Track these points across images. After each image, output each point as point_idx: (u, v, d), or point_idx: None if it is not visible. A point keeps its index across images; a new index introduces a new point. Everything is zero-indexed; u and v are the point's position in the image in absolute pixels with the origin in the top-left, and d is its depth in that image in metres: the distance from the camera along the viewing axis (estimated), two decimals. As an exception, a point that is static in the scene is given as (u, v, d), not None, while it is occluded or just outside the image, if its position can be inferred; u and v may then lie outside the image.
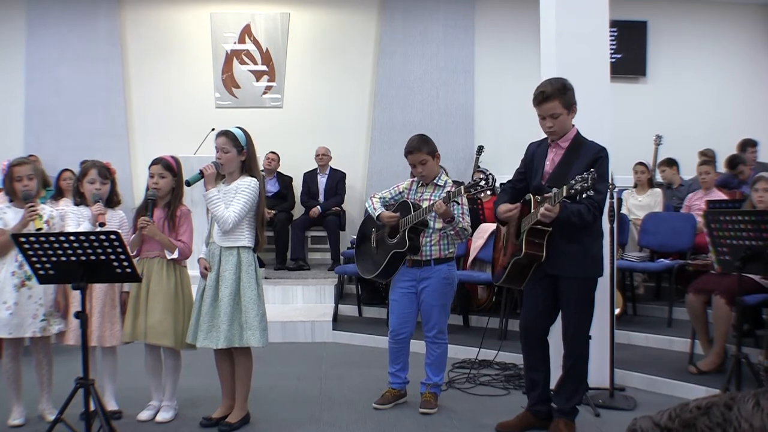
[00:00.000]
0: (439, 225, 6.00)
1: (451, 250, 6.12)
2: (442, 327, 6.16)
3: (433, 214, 5.85)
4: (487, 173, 5.50)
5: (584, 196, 4.81)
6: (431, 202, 5.93)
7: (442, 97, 13.28)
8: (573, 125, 5.38)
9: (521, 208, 5.40)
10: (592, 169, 4.80)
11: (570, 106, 5.28)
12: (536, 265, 5.29)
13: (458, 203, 5.90)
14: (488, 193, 5.88)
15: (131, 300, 5.81)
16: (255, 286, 5.63)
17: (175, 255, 5.84)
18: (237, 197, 5.59)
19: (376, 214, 6.18)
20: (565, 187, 4.84)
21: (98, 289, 5.82)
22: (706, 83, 13.58)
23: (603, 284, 5.87)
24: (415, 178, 6.25)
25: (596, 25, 6.61)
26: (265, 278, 10.58)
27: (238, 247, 5.63)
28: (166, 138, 12.53)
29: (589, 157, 5.19)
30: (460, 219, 5.91)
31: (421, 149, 6.05)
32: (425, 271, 6.09)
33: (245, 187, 5.62)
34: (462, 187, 5.59)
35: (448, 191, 5.77)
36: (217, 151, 5.71)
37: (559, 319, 5.43)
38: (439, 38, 13.36)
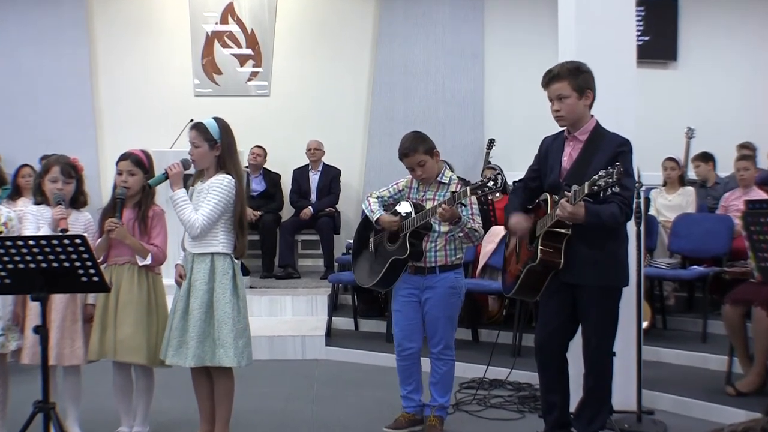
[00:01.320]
0: (444, 228, 5.97)
1: (458, 256, 6.09)
2: (448, 342, 6.12)
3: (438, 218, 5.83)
4: (497, 172, 5.46)
5: (609, 193, 4.79)
6: (435, 201, 5.89)
7: (448, 85, 13.26)
8: (592, 116, 5.38)
9: (536, 210, 5.39)
10: (617, 163, 4.79)
11: (582, 90, 5.29)
12: (553, 273, 5.27)
13: (464, 204, 5.86)
14: (497, 195, 5.85)
15: (98, 312, 5.78)
16: (231, 297, 5.58)
17: (148, 261, 5.82)
18: (207, 197, 5.56)
19: (375, 217, 6.14)
20: (587, 183, 4.83)
21: (58, 301, 5.76)
22: (745, 68, 13.50)
23: (629, 294, 5.86)
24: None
25: (621, 3, 6.59)
26: (250, 288, 10.57)
27: (211, 254, 5.60)
28: (138, 130, 12.49)
29: (611, 151, 5.19)
30: (469, 219, 5.87)
31: (417, 150, 6.01)
32: (429, 280, 6.05)
33: (217, 186, 5.58)
34: (468, 187, 5.57)
35: (453, 192, 5.74)
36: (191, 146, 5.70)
37: (579, 334, 5.42)
38: (445, 19, 13.34)
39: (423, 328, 6.17)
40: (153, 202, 5.99)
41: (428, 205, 5.93)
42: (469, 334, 9.02)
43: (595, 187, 4.76)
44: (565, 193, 5.07)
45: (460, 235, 5.89)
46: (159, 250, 5.86)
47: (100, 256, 5.74)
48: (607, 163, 4.99)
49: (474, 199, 5.96)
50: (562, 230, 5.17)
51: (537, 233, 5.30)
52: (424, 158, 6.01)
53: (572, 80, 5.26)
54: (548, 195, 5.32)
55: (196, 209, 5.54)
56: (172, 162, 5.69)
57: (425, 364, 6.24)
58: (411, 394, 6.27)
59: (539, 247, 5.22)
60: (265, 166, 12.48)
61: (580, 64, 5.36)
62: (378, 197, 6.26)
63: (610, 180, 4.70)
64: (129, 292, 5.78)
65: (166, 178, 5.63)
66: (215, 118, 5.76)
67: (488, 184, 5.44)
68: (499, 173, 5.44)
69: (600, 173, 4.77)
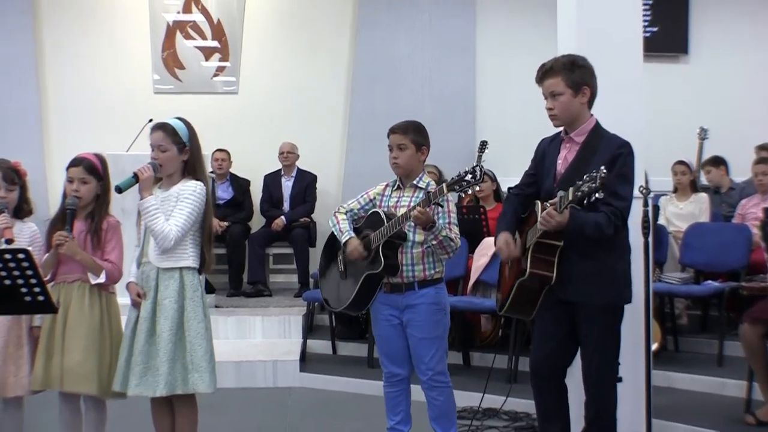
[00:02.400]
0: (420, 237, 5.90)
1: (438, 269, 6.02)
2: (439, 368, 6.03)
3: (413, 223, 5.78)
4: (475, 165, 5.41)
5: (592, 199, 4.78)
6: (409, 208, 5.85)
7: (436, 81, 13.27)
8: (591, 115, 5.39)
9: (529, 218, 5.38)
10: (602, 167, 4.76)
11: (578, 86, 5.29)
12: (547, 288, 5.26)
13: (442, 206, 5.83)
14: (477, 188, 5.76)
15: (44, 336, 5.73)
16: (203, 316, 5.61)
17: (101, 279, 5.78)
18: (179, 206, 5.55)
19: (343, 239, 6.08)
20: (571, 189, 4.84)
21: (0, 324, 5.72)
22: (764, 61, 13.55)
23: (636, 313, 5.86)
24: (389, 182, 6.22)
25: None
26: (215, 307, 10.54)
27: (180, 269, 5.60)
28: (90, 131, 12.45)
29: (609, 154, 5.18)
30: (445, 226, 5.82)
31: (406, 132, 6.03)
32: (408, 298, 5.98)
33: (190, 193, 5.59)
34: (444, 184, 5.51)
35: (429, 191, 5.69)
36: (153, 150, 5.67)
37: (579, 358, 5.41)
38: (432, 7, 13.35)
39: (409, 350, 6.11)
40: (107, 213, 5.94)
41: (402, 212, 5.84)
42: (459, 357, 9.01)
43: (579, 193, 4.76)
44: (550, 201, 5.07)
45: (434, 243, 5.79)
46: (114, 267, 5.81)
47: (46, 273, 5.68)
48: (605, 167, 4.95)
49: (453, 207, 5.95)
50: (554, 241, 5.16)
51: (527, 244, 5.30)
52: (406, 143, 5.99)
53: (567, 76, 5.27)
54: (539, 202, 5.32)
55: (167, 218, 5.52)
56: (126, 166, 5.68)
57: (416, 392, 6.21)
58: (399, 425, 6.19)
59: (530, 259, 5.21)
60: (232, 171, 12.45)
61: (576, 57, 5.37)
62: (347, 212, 6.21)
63: (593, 185, 4.69)
64: (79, 314, 5.72)
65: (136, 181, 5.59)
66: (180, 119, 5.76)
67: (466, 178, 5.37)
68: (477, 165, 5.37)
69: (585, 177, 4.76)
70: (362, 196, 6.26)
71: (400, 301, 5.98)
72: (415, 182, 6.06)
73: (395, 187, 6.15)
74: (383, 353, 6.18)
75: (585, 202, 4.80)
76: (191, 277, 5.61)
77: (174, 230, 5.49)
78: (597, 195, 4.74)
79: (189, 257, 5.62)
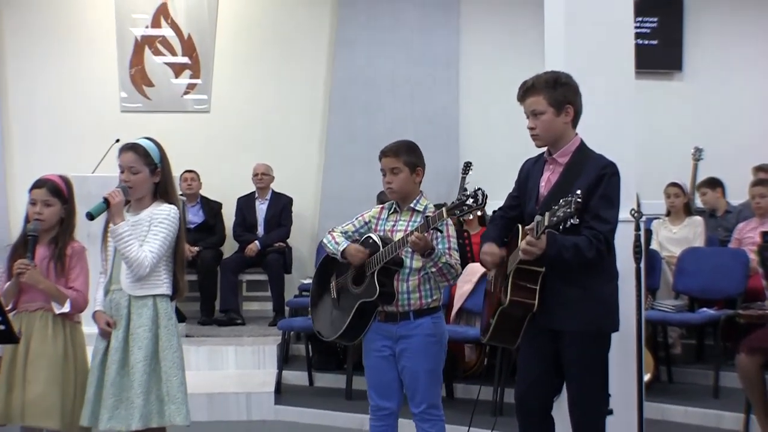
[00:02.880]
0: (418, 263, 5.85)
1: (435, 297, 5.94)
2: (432, 400, 5.99)
3: (410, 249, 5.76)
4: (476, 189, 5.38)
5: (568, 225, 4.78)
6: (407, 233, 5.82)
7: (418, 99, 13.29)
8: (576, 134, 5.37)
9: (510, 242, 5.38)
10: (578, 191, 4.74)
11: (560, 105, 5.27)
12: (530, 316, 5.26)
13: (441, 231, 5.80)
14: (480, 213, 5.79)
15: (4, 367, 5.71)
16: (177, 346, 5.60)
17: (66, 308, 5.76)
18: (153, 231, 5.55)
19: (340, 248, 6.00)
20: (547, 214, 4.82)
21: (-40, 355, 5.71)
22: (761, 79, 13.61)
23: (628, 342, 5.86)
24: (385, 204, 6.19)
25: (618, 4, 6.63)
26: (186, 336, 10.48)
27: (154, 296, 5.59)
28: (54, 152, 12.45)
29: (593, 176, 5.16)
30: (445, 252, 5.80)
31: (398, 154, 5.92)
32: (403, 328, 5.92)
33: (163, 218, 5.59)
34: (444, 209, 5.45)
35: (428, 216, 5.63)
36: (122, 171, 5.65)
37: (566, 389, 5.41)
38: (414, 23, 13.39)
39: (401, 384, 6.09)
40: (72, 238, 5.93)
41: (399, 237, 5.77)
42: (443, 389, 8.97)
43: (554, 218, 4.75)
44: (528, 227, 5.07)
45: (433, 270, 5.73)
46: (79, 295, 5.80)
47: (8, 302, 5.68)
48: (589, 189, 4.99)
49: (453, 231, 5.90)
50: (535, 267, 5.14)
51: (508, 270, 5.28)
52: (400, 166, 5.90)
53: (548, 93, 5.25)
54: (520, 226, 5.32)
55: (140, 244, 5.51)
56: (92, 188, 5.66)
57: (402, 428, 6.18)
58: (385, 461, 6.18)
59: (510, 286, 5.18)
60: (202, 193, 12.45)
61: (559, 74, 5.36)
62: (342, 233, 6.13)
63: (568, 210, 4.67)
64: (41, 344, 5.70)
65: (108, 207, 5.57)
66: (150, 139, 5.75)
67: (467, 203, 5.32)
68: (479, 189, 5.34)
69: (560, 201, 4.75)
70: (357, 219, 6.18)
71: (394, 331, 5.91)
72: (412, 205, 5.98)
73: (392, 211, 6.08)
74: (372, 385, 6.09)
75: (561, 227, 4.81)
76: (165, 305, 5.61)
77: (149, 257, 5.47)
78: (572, 221, 4.74)
79: (163, 284, 5.61)
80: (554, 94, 5.25)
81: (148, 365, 5.49)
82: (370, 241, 5.91)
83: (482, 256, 5.50)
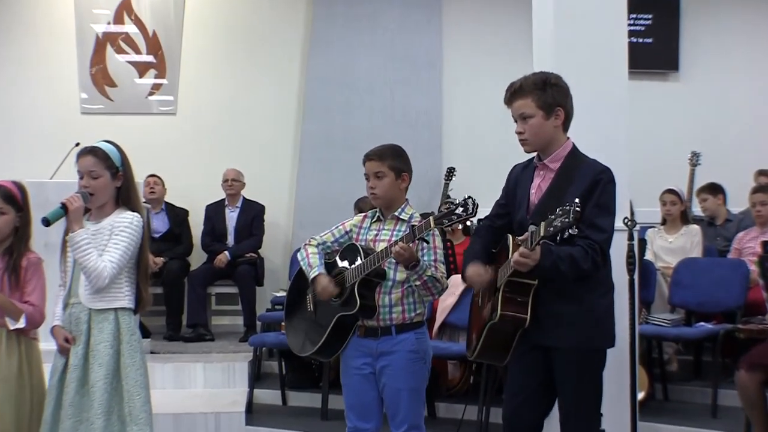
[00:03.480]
0: (401, 276, 5.84)
1: (419, 312, 5.94)
2: (415, 420, 5.97)
3: (393, 260, 5.72)
4: (467, 197, 5.36)
5: (566, 235, 4.75)
6: (390, 243, 5.81)
7: (399, 102, 13.30)
8: (567, 138, 5.37)
9: (499, 253, 5.37)
10: (576, 200, 4.71)
11: (550, 108, 5.25)
12: (521, 332, 5.25)
13: (427, 242, 5.79)
14: (470, 222, 5.75)
15: (-44, 386, 5.69)
16: (141, 363, 5.59)
17: (21, 324, 5.73)
18: (114, 240, 5.52)
19: (312, 274, 5.98)
20: (543, 223, 4.80)
21: None
22: (761, 79, 13.64)
23: (621, 359, 5.87)
24: (368, 213, 6.18)
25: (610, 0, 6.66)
26: (151, 353, 10.47)
27: (115, 309, 5.57)
28: (9, 156, 12.41)
29: (587, 182, 5.15)
30: (431, 264, 5.79)
31: (383, 158, 5.91)
32: (384, 343, 5.90)
33: (125, 226, 5.57)
34: (431, 218, 5.42)
35: (413, 225, 5.60)
36: (82, 177, 5.63)
37: (557, 408, 5.41)
38: (394, 22, 13.40)
39: (381, 404, 6.06)
40: (28, 248, 5.90)
41: (381, 247, 5.75)
42: (425, 408, 8.97)
43: (551, 229, 4.72)
44: (520, 237, 5.06)
45: (417, 283, 5.72)
46: (35, 310, 5.76)
47: (-42, 317, 5.67)
48: (582, 196, 4.94)
49: (440, 242, 5.90)
50: (528, 280, 5.12)
51: (498, 283, 5.26)
52: (384, 171, 5.88)
53: (537, 96, 5.23)
54: (510, 236, 5.31)
55: (100, 254, 5.49)
56: (51, 194, 5.64)
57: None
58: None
59: (501, 299, 5.16)
60: (167, 199, 12.43)
61: (549, 75, 5.34)
62: (319, 244, 6.09)
63: (567, 220, 4.64)
64: (-5, 362, 5.71)
65: (65, 213, 5.55)
66: (111, 143, 5.73)
67: (456, 212, 5.30)
68: (469, 197, 5.32)
69: (558, 211, 4.71)
70: (337, 228, 6.15)
71: (375, 347, 5.89)
72: (396, 214, 5.97)
73: (375, 219, 6.05)
74: (350, 405, 6.07)
75: (558, 238, 4.77)
76: (127, 319, 5.59)
77: (109, 267, 5.45)
78: (570, 231, 4.69)
79: (125, 297, 5.60)
80: (543, 97, 5.23)
81: (109, 384, 5.47)
82: (352, 250, 5.90)
83: (468, 277, 5.48)
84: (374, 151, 5.98)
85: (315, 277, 5.87)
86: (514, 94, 5.30)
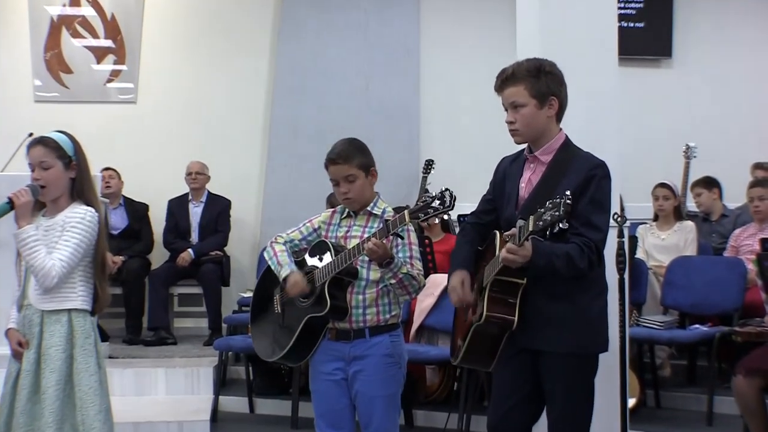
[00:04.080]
0: (375, 274, 5.81)
1: (394, 313, 5.91)
2: (389, 429, 5.93)
3: (366, 258, 5.69)
4: (443, 189, 5.33)
5: (556, 230, 4.71)
6: (363, 239, 5.79)
7: (374, 90, 13.31)
8: (560, 129, 5.36)
9: (486, 251, 5.36)
10: (567, 192, 4.68)
11: (544, 97, 5.23)
12: (508, 334, 5.25)
13: (402, 238, 5.77)
14: (448, 216, 5.75)
15: None
16: (96, 367, 5.55)
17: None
18: (65, 236, 5.48)
19: (282, 273, 5.94)
20: (532, 217, 4.76)
21: None
22: (761, 68, 13.70)
23: (610, 364, 5.88)
24: (337, 208, 6.15)
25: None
26: (110, 357, 10.44)
27: (68, 311, 5.54)
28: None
29: (581, 176, 5.13)
30: (406, 261, 5.76)
31: (350, 159, 5.86)
32: (357, 347, 5.87)
33: (77, 222, 5.52)
34: (406, 212, 5.39)
35: (387, 220, 5.58)
36: (33, 169, 5.61)
37: (545, 417, 5.41)
38: (369, 4, 13.39)
39: (353, 411, 6.03)
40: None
41: (353, 244, 5.70)
42: (401, 416, 8.98)
43: (540, 223, 4.67)
44: (507, 233, 5.03)
45: (393, 282, 5.67)
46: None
47: None
48: (576, 191, 4.92)
49: (415, 238, 5.86)
50: (515, 279, 5.09)
51: (484, 282, 5.24)
52: (355, 173, 5.83)
53: (531, 84, 5.20)
54: (497, 232, 5.28)
55: (49, 252, 5.47)
56: (1, 188, 5.61)
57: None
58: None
59: (486, 301, 5.13)
60: (126, 194, 12.40)
61: (543, 62, 5.30)
62: (286, 242, 6.06)
63: (557, 213, 4.60)
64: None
65: (12, 208, 5.52)
66: (64, 133, 5.70)
67: (433, 205, 5.26)
68: (446, 189, 5.30)
69: (547, 204, 4.68)
70: (304, 225, 6.10)
71: (347, 351, 5.85)
72: (369, 208, 5.93)
73: (345, 215, 6.01)
74: (320, 413, 6.03)
75: (548, 233, 4.72)
76: (82, 321, 5.55)
77: (57, 265, 5.40)
78: (561, 225, 4.65)
79: (78, 297, 5.56)
80: (537, 85, 5.20)
81: (61, 390, 5.44)
82: (322, 247, 5.86)
83: (450, 289, 5.43)
84: (337, 153, 5.89)
85: (288, 275, 5.81)
86: (505, 80, 5.26)
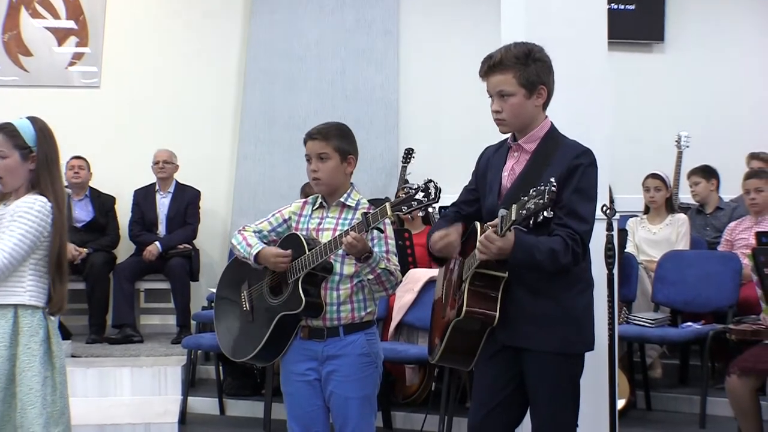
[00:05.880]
0: (350, 269, 5.80)
1: (369, 310, 5.90)
2: (366, 431, 6.05)
3: (342, 252, 5.69)
4: (428, 180, 5.32)
5: (540, 219, 4.68)
6: (336, 232, 5.75)
7: (351, 75, 13.29)
8: (546, 117, 5.35)
9: (466, 243, 5.35)
10: (552, 179, 4.68)
11: (533, 85, 5.20)
12: (489, 331, 5.25)
13: (381, 231, 5.74)
14: (432, 209, 5.72)
15: None
16: (41, 368, 5.45)
17: None
18: (10, 226, 5.40)
19: (253, 252, 5.91)
20: (514, 206, 4.75)
21: None
22: (758, 53, 13.70)
23: (598, 363, 5.89)
24: (309, 198, 6.16)
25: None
26: (72, 356, 10.44)
27: (13, 306, 5.47)
28: None
29: (565, 165, 5.12)
30: (383, 256, 5.75)
31: (327, 138, 5.83)
32: (331, 346, 5.86)
33: (24, 211, 5.42)
34: (388, 204, 5.38)
35: (366, 213, 5.56)
36: (-10, 158, 5.58)
37: (529, 418, 5.42)
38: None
39: (327, 413, 6.02)
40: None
41: (326, 237, 5.75)
42: (379, 418, 8.99)
43: (524, 211, 4.65)
44: (489, 223, 5.01)
45: (370, 277, 5.67)
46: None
47: None
48: (560, 180, 4.88)
49: (391, 232, 5.86)
50: (497, 272, 5.06)
51: (464, 276, 5.22)
52: (328, 152, 5.80)
53: (520, 72, 5.15)
54: (478, 223, 5.26)
55: None
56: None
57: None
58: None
59: (465, 295, 5.09)
60: (91, 184, 12.37)
61: (532, 47, 5.25)
62: (255, 231, 6.04)
63: (541, 201, 4.59)
64: None
65: None
66: (30, 119, 5.66)
67: (417, 197, 5.27)
68: (431, 180, 5.29)
69: (531, 192, 4.66)
70: (274, 216, 6.08)
71: (320, 350, 5.84)
72: (342, 200, 5.91)
73: (316, 206, 5.99)
74: (293, 416, 6.03)
75: (532, 222, 4.69)
76: (29, 319, 5.46)
77: (1, 256, 5.33)
78: (545, 213, 4.63)
79: (25, 292, 5.46)
80: (526, 73, 5.15)
81: (3, 390, 5.39)
82: (294, 241, 5.82)
83: (433, 246, 5.34)
84: (318, 129, 5.89)
85: (259, 252, 5.83)
86: (492, 67, 5.21)
